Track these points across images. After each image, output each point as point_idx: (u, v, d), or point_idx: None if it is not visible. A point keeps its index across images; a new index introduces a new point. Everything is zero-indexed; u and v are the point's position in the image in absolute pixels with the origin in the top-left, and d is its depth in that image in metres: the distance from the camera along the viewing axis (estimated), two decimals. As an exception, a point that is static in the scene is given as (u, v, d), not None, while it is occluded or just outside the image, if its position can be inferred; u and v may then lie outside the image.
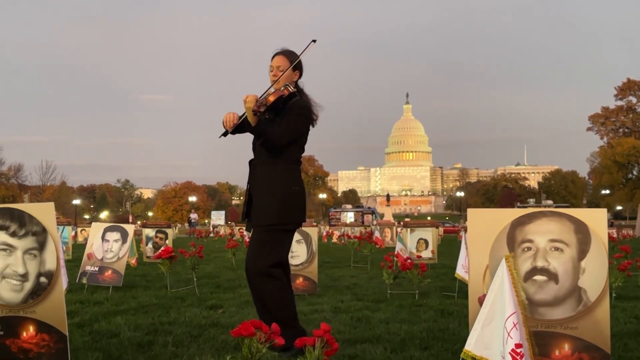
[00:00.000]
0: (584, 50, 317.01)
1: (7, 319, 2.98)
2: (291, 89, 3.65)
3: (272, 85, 3.69)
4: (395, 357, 3.55)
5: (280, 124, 3.59)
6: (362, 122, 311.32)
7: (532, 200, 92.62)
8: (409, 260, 6.58)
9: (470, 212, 2.71)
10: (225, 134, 3.64)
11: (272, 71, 3.74)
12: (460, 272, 6.45)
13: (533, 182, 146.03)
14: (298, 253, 6.55)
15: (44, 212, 2.94)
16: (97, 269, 6.92)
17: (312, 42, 3.66)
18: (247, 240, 16.45)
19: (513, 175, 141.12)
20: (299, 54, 3.73)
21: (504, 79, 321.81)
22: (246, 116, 3.58)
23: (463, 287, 6.41)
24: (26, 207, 2.97)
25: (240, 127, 3.64)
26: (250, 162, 3.80)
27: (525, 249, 2.62)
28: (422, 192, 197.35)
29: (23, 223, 2.93)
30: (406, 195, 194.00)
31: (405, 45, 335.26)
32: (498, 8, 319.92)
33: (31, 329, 2.96)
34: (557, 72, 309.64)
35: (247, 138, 3.75)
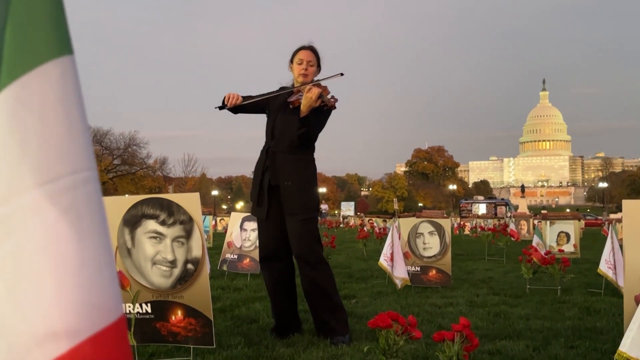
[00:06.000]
0: None
1: (157, 303, 3.16)
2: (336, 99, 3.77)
3: (311, 83, 3.76)
4: (538, 356, 3.38)
5: (314, 118, 3.72)
6: (494, 111, 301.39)
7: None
8: (549, 255, 6.26)
9: (626, 203, 2.50)
10: (221, 108, 3.81)
11: (300, 64, 3.84)
12: (603, 268, 6.05)
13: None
14: (431, 245, 6.43)
15: (190, 202, 3.09)
16: (236, 256, 7.24)
17: (340, 75, 3.80)
18: (377, 231, 16.49)
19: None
20: (324, 77, 3.84)
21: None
22: (250, 102, 3.80)
23: (610, 283, 6.00)
24: (174, 197, 3.14)
25: (242, 107, 3.87)
26: (267, 149, 3.86)
27: (691, 244, 2.37)
28: (560, 183, 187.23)
29: (171, 212, 3.09)
30: (542, 186, 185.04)
31: (542, 29, 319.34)
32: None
33: (179, 313, 3.12)
34: None
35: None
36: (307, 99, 3.60)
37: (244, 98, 3.82)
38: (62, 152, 0.57)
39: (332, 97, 3.72)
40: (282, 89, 3.90)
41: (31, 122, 0.57)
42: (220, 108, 3.81)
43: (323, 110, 3.75)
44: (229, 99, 3.76)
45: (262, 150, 3.92)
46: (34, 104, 0.58)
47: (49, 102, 0.58)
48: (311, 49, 3.89)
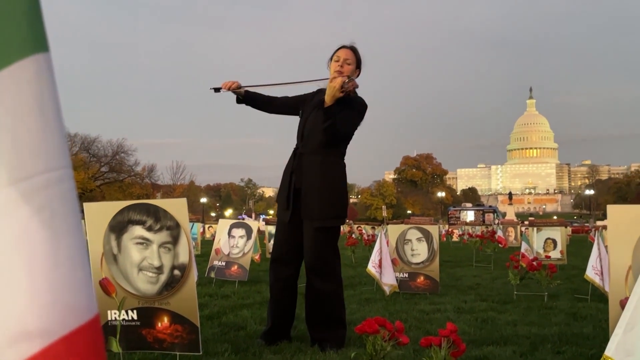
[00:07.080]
0: None
1: (143, 310, 3.13)
2: (356, 84, 3.67)
3: (345, 80, 3.61)
4: (525, 361, 3.38)
5: (343, 115, 3.59)
6: (482, 119, 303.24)
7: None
8: (536, 261, 6.28)
9: (611, 208, 2.52)
10: (217, 90, 3.74)
11: (337, 61, 3.71)
12: (590, 274, 6.09)
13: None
14: (419, 251, 6.43)
15: (177, 208, 3.06)
16: (224, 263, 7.20)
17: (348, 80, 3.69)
18: (366, 238, 16.50)
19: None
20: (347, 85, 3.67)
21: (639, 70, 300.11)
22: (249, 86, 3.77)
23: (596, 289, 6.04)
24: (161, 202, 3.11)
25: (245, 98, 3.81)
26: (295, 150, 3.78)
27: (675, 249, 2.39)
28: (547, 190, 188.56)
29: (158, 218, 3.07)
30: (530, 193, 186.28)
31: (529, 38, 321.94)
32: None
33: (165, 319, 3.09)
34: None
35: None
36: (331, 88, 3.49)
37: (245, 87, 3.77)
38: (36, 150, 0.56)
39: (351, 80, 3.58)
40: (320, 91, 3.77)
41: (5, 119, 0.56)
42: (216, 90, 3.75)
43: (350, 103, 3.61)
44: (226, 84, 3.71)
45: (292, 153, 3.83)
46: (8, 101, 0.57)
47: (24, 99, 0.57)
48: (352, 48, 3.76)
